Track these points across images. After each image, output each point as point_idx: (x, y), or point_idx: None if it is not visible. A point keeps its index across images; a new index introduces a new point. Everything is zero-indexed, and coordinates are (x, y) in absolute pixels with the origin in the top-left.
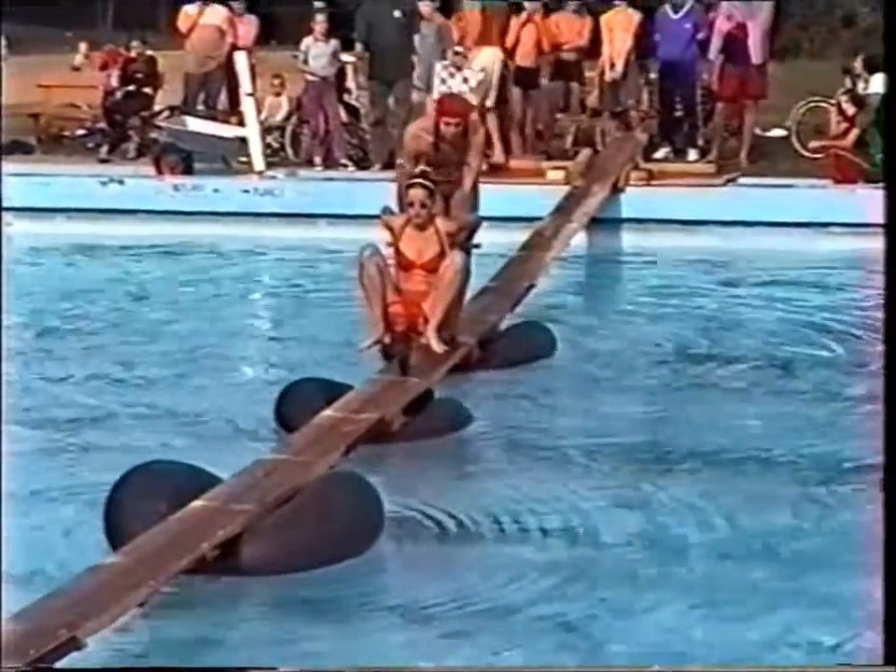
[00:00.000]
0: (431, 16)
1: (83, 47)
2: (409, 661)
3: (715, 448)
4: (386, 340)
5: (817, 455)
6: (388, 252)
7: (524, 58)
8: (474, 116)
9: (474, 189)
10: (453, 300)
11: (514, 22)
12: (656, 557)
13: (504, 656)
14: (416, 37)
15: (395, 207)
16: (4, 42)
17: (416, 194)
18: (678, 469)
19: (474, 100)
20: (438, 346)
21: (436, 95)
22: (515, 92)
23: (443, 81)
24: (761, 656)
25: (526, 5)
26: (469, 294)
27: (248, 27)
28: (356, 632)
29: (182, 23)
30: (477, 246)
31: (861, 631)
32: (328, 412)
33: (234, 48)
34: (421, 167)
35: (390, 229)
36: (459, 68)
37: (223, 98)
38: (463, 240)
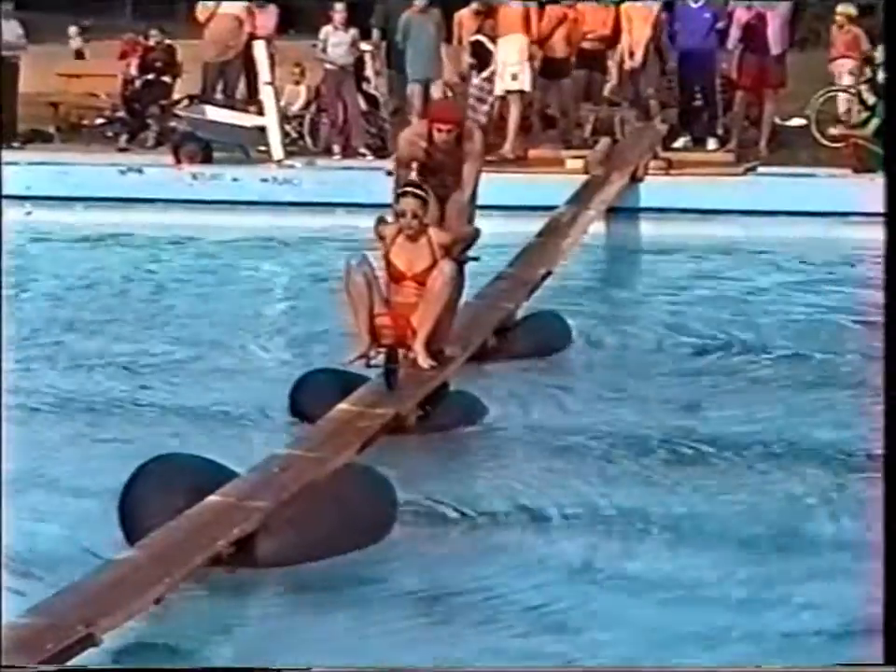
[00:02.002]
0: (427, 9)
1: (73, 30)
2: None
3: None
4: (372, 353)
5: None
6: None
7: (553, 49)
8: (469, 122)
9: (472, 198)
10: (442, 311)
11: (549, 15)
12: None
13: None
14: (413, 30)
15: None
16: (22, 31)
17: (408, 203)
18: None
19: (514, 85)
20: (425, 362)
21: (475, 81)
22: (541, 82)
23: (471, 105)
24: None
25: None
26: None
27: (268, 16)
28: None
29: (200, 12)
30: (475, 259)
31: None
32: (343, 405)
33: (252, 37)
34: (413, 175)
35: (382, 238)
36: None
37: (241, 87)
38: (458, 252)
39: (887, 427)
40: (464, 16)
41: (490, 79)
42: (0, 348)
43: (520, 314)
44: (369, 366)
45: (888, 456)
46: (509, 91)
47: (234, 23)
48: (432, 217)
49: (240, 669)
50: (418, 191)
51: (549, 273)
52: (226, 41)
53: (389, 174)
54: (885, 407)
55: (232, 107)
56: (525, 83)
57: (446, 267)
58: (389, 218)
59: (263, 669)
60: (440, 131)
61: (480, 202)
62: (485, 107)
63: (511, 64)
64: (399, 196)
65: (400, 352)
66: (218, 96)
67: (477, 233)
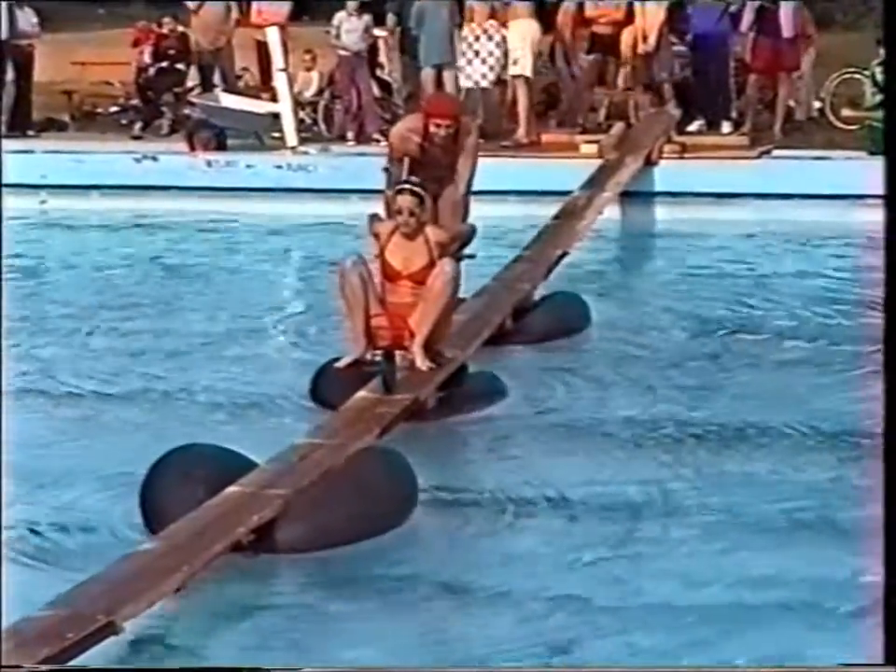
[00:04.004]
0: None
1: None
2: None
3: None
4: (368, 356)
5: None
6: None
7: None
8: (465, 117)
9: (466, 194)
10: (441, 312)
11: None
12: None
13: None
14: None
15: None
16: (37, 20)
17: (405, 201)
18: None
19: (516, 70)
20: (423, 364)
21: (461, 63)
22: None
23: (463, 54)
24: None
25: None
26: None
27: (281, 3)
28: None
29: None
30: (471, 257)
31: None
32: (361, 393)
33: (239, 23)
34: (407, 173)
35: (376, 236)
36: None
37: (254, 72)
38: (454, 250)
39: (887, 409)
40: (476, 3)
41: (490, 36)
42: (0, 338)
43: (538, 295)
44: (365, 369)
45: (888, 442)
46: (513, 77)
47: (221, 10)
48: (427, 216)
49: (240, 669)
50: (416, 188)
51: (565, 254)
52: (216, 28)
53: (385, 170)
54: (885, 388)
55: (234, 93)
56: (526, 68)
57: (447, 266)
58: (382, 215)
59: (261, 669)
60: (437, 126)
61: (494, 187)
62: (477, 61)
63: (514, 49)
64: (395, 193)
65: (398, 354)
66: (217, 84)
67: (473, 231)
